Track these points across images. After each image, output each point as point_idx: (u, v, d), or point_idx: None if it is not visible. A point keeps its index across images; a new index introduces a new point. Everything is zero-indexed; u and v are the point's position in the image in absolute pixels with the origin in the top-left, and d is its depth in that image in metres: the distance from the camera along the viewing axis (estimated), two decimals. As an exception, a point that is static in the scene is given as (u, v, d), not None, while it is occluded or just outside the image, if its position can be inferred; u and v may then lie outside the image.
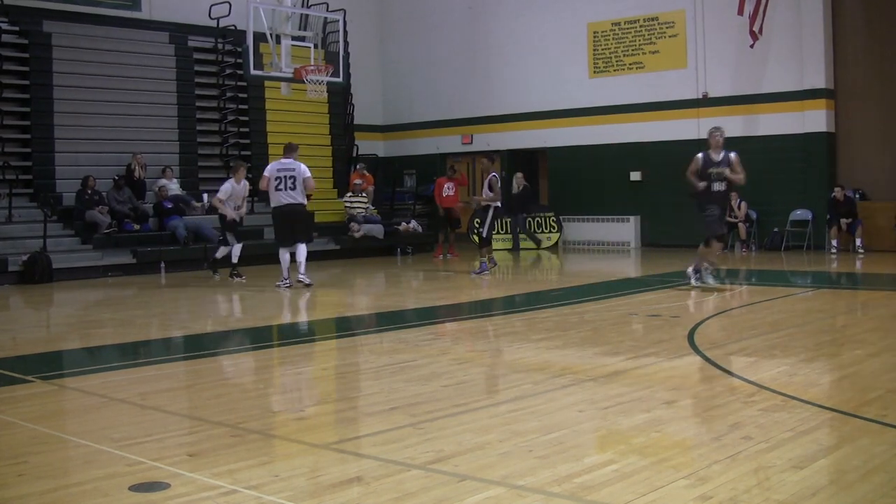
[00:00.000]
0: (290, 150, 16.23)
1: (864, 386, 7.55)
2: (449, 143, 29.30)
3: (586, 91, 26.42)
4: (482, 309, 13.91)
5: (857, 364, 8.52)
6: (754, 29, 23.04)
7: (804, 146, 23.04)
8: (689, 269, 15.02)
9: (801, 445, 5.68)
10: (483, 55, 28.43)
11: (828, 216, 22.39)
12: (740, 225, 23.23)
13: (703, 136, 23.84)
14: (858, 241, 21.93)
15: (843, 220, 22.12)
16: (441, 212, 23.10)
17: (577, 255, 21.28)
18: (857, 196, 22.63)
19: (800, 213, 23.11)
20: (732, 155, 14.58)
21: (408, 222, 25.57)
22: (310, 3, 25.69)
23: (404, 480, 5.16)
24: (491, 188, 18.37)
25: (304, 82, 21.03)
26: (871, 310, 13.04)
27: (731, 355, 8.93)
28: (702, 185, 14.43)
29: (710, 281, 14.81)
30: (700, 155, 14.72)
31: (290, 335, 11.80)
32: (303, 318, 13.25)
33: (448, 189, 22.83)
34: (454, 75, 28.94)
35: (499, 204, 18.70)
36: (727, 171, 14.38)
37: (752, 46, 23.18)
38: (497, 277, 18.33)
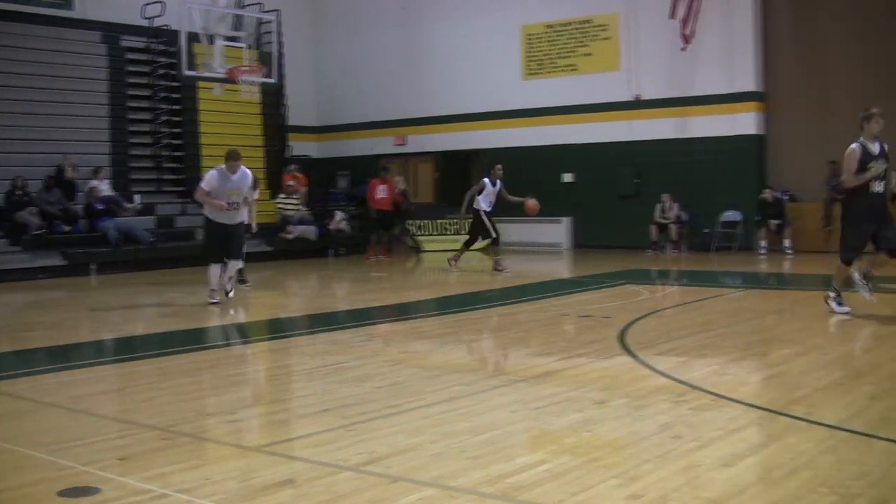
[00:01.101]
0: (234, 158, 13.82)
1: (792, 384, 7.66)
2: (384, 144, 29.24)
3: (519, 93, 26.50)
4: (415, 310, 13.91)
5: (786, 363, 8.63)
6: (686, 32, 23.28)
7: (735, 148, 23.28)
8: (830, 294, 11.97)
9: (730, 444, 5.75)
10: (417, 56, 28.42)
11: (757, 217, 22.67)
12: (672, 226, 23.45)
13: (636, 138, 24.36)
14: (787, 243, 22.23)
15: (773, 222, 22.42)
16: (374, 213, 23.10)
17: (509, 257, 21.30)
18: (787, 198, 22.92)
19: (730, 215, 23.35)
20: (886, 146, 11.39)
21: (338, 219, 25.51)
22: (244, 4, 25.53)
23: (336, 482, 5.15)
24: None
25: (237, 83, 20.93)
26: (800, 310, 13.21)
27: (662, 355, 9.00)
28: (869, 174, 11.07)
29: (841, 309, 11.74)
30: (856, 145, 11.26)
31: (223, 337, 11.73)
32: (236, 320, 13.17)
33: (381, 190, 22.82)
34: (389, 76, 28.88)
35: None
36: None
37: (684, 49, 23.42)
38: (429, 279, 18.34)
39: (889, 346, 9.40)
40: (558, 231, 25.53)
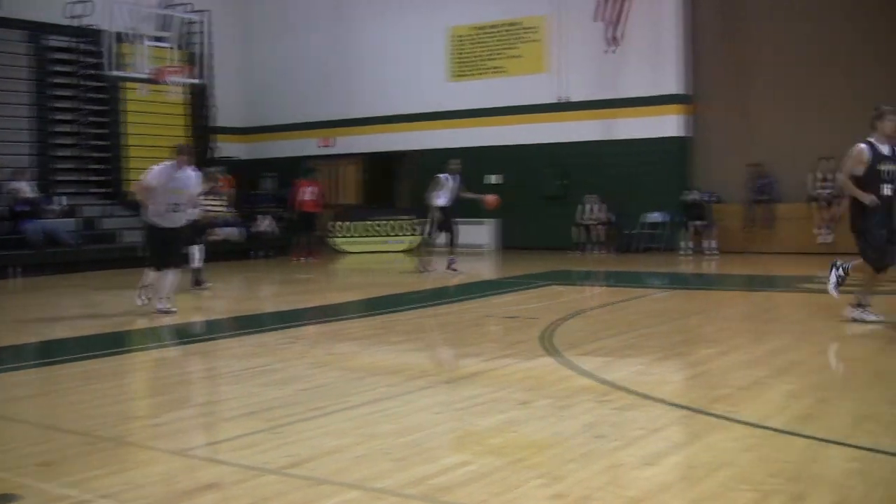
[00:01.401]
0: (183, 153, 12.75)
1: (714, 383, 7.77)
2: (311, 145, 29.12)
3: (446, 94, 26.55)
4: (341, 312, 13.87)
5: (708, 362, 8.75)
6: (615, 35, 23.50)
7: (660, 150, 23.53)
8: (849, 308, 10.96)
9: (653, 443, 5.82)
10: (345, 58, 28.34)
11: (682, 219, 22.94)
12: (598, 227, 23.65)
13: (563, 139, 24.49)
14: (712, 243, 22.51)
15: (696, 223, 22.69)
16: (297, 215, 23.04)
17: (436, 258, 21.32)
18: (713, 199, 23.20)
19: (654, 216, 23.60)
20: None
21: (263, 221, 25.42)
22: (172, 3, 25.29)
23: (260, 486, 5.12)
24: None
25: (163, 83, 20.75)
26: (722, 310, 13.39)
27: (587, 355, 9.07)
28: (870, 200, 10.30)
29: (872, 317, 10.71)
30: (864, 146, 10.52)
31: (146, 340, 11.61)
32: (160, 323, 13.03)
33: (307, 192, 22.75)
34: (316, 77, 28.76)
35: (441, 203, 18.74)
36: None
37: (612, 52, 23.66)
38: (355, 280, 18.31)
39: (810, 344, 9.55)
40: (484, 232, 25.59)
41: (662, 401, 7.02)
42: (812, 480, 5.01)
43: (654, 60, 23.66)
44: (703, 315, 12.77)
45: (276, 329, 11.94)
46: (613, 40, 23.70)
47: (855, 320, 10.55)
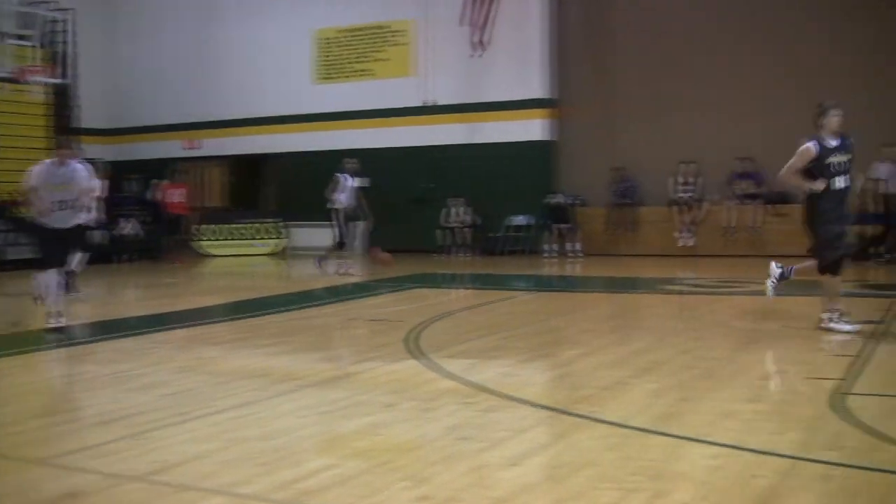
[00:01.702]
0: (62, 146, 11.90)
1: (578, 384, 7.83)
2: (177, 147, 28.63)
3: (313, 97, 26.38)
4: (206, 315, 13.66)
5: (572, 363, 8.82)
6: (481, 39, 23.65)
7: (525, 154, 23.74)
8: (823, 316, 10.47)
9: (518, 443, 5.83)
10: (211, 59, 27.93)
11: (546, 221, 23.17)
12: (463, 230, 23.76)
13: (429, 143, 24.54)
14: (576, 246, 22.79)
15: (560, 226, 22.95)
16: (166, 217, 22.68)
17: (304, 261, 21.18)
18: (577, 202, 23.48)
19: (519, 219, 23.80)
20: (852, 140, 10.41)
21: (126, 224, 24.95)
22: (35, 1, 24.62)
23: (123, 493, 5.00)
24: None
25: (25, 83, 20.24)
26: (586, 311, 13.54)
27: (452, 358, 9.07)
28: (818, 184, 10.12)
29: (846, 327, 10.20)
30: (811, 143, 10.25)
31: (7, 346, 11.26)
32: (19, 328, 12.67)
33: (176, 195, 22.43)
34: (183, 79, 28.28)
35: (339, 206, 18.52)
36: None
37: (479, 56, 23.82)
38: (220, 284, 18.07)
39: (671, 345, 9.70)
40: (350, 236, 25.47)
41: (527, 402, 7.06)
42: (673, 478, 5.08)
43: (519, 65, 23.87)
44: (568, 317, 12.90)
45: (140, 334, 11.66)
46: (480, 44, 23.86)
47: (830, 330, 10.12)
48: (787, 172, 10.46)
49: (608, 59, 23.65)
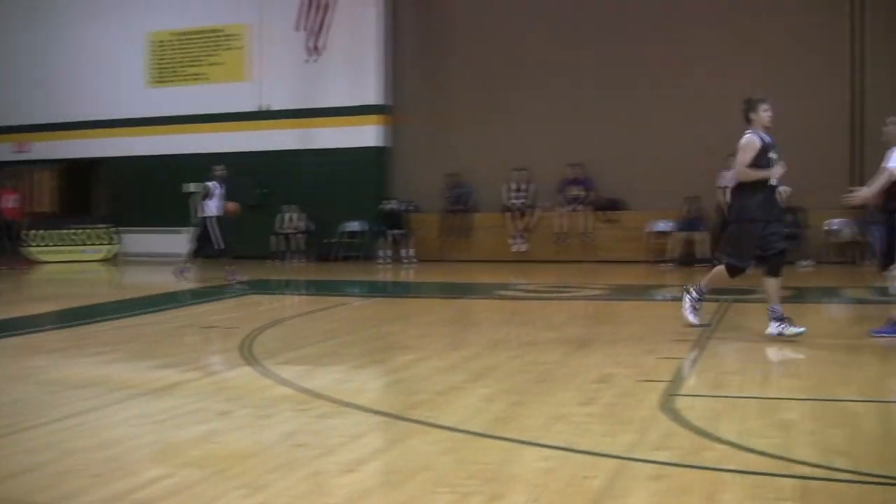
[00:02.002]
0: None
1: (412, 389, 7.87)
2: (5, 150, 27.71)
3: (146, 101, 25.90)
4: (35, 323, 13.25)
5: (406, 369, 8.86)
6: (316, 44, 23.58)
7: (359, 160, 23.77)
8: (772, 322, 10.03)
9: (353, 449, 5.83)
10: (42, 61, 27.07)
11: (380, 228, 23.22)
12: (298, 236, 23.66)
13: (264, 148, 24.33)
14: (410, 252, 22.90)
15: (394, 232, 23.03)
16: (3, 222, 22.05)
17: (135, 268, 20.85)
18: (410, 208, 23.60)
19: (353, 225, 23.81)
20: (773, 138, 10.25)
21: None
22: None
23: (-58, 508, 4.85)
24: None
25: None
26: (420, 316, 13.61)
27: (287, 364, 9.02)
28: (776, 170, 9.96)
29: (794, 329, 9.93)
30: (752, 134, 10.06)
31: None
32: None
33: (9, 199, 21.80)
34: (12, 80, 27.35)
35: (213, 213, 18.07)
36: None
37: (314, 61, 23.75)
38: (50, 291, 17.58)
39: (505, 349, 9.81)
40: (181, 241, 25.08)
41: (362, 408, 7.07)
42: (508, 480, 5.15)
43: (354, 71, 23.91)
44: (402, 322, 12.95)
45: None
46: (315, 50, 23.81)
47: (780, 334, 9.89)
48: (742, 169, 10.03)
49: (443, 67, 23.88)
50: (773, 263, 10.05)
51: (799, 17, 21.68)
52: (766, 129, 10.08)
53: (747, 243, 10.02)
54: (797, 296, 15.49)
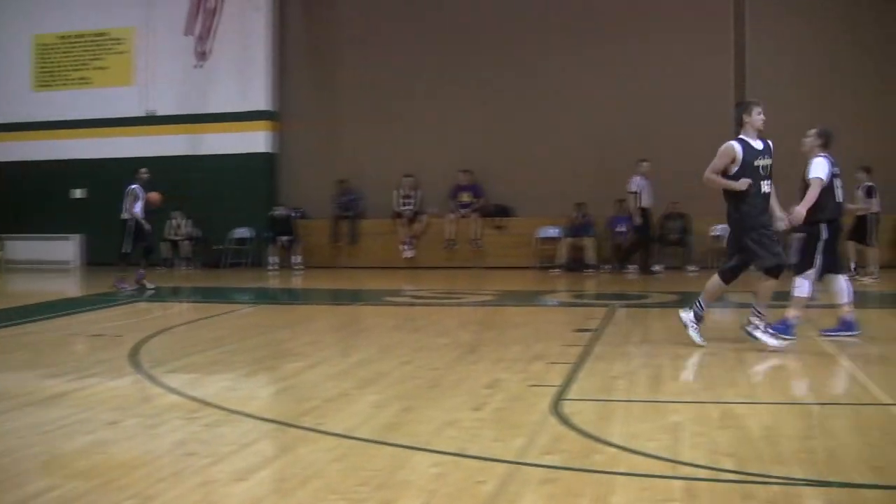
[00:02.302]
0: None
1: (302, 396, 7.86)
2: None
3: (32, 105, 25.31)
4: None
5: (296, 376, 8.83)
6: (204, 49, 23.37)
7: (247, 166, 23.62)
8: (753, 325, 9.96)
9: (244, 457, 5.81)
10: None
11: (269, 234, 23.09)
12: (186, 242, 23.42)
13: (150, 154, 23.93)
14: (298, 258, 22.81)
15: (283, 238, 22.92)
16: None
17: (17, 275, 20.42)
18: (299, 215, 23.51)
19: (241, 231, 23.64)
20: (770, 143, 10.01)
21: None
22: None
23: None
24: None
25: None
26: (309, 323, 13.58)
27: (175, 373, 8.94)
28: (744, 182, 9.68)
29: (773, 341, 9.86)
30: (735, 143, 9.81)
31: None
32: None
33: None
34: None
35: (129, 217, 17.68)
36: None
37: (201, 66, 23.53)
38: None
39: (395, 356, 9.82)
40: (68, 248, 24.70)
41: (252, 415, 7.04)
42: (399, 487, 5.18)
43: (242, 76, 23.76)
44: (291, 329, 12.89)
45: None
46: (202, 55, 23.62)
47: (756, 338, 9.84)
48: (709, 173, 9.93)
49: (332, 73, 23.87)
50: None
51: (684, 26, 22.13)
52: (759, 133, 9.92)
53: (769, 242, 9.80)
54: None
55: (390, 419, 6.84)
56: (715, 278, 10.15)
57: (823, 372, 8.98)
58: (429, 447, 5.99)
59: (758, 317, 9.90)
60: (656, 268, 20.45)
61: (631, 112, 21.90)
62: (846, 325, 10.50)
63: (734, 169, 9.75)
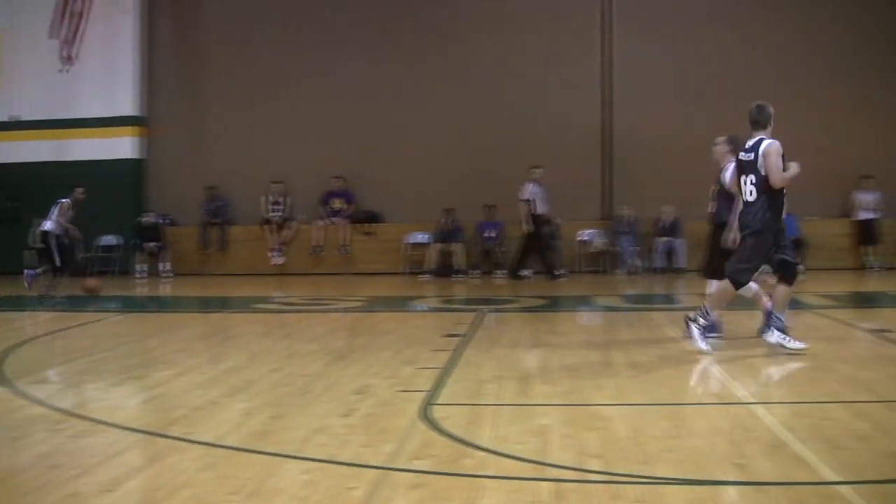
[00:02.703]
0: None
1: (171, 405, 7.78)
2: None
3: None
4: None
5: (164, 385, 8.73)
6: (70, 54, 22.94)
7: (114, 172, 23.20)
8: (769, 332, 9.89)
9: (111, 468, 5.75)
10: None
11: (136, 241, 22.75)
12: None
13: (14, 160, 23.43)
14: (167, 266, 22.53)
15: (151, 245, 22.61)
16: None
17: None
18: (167, 221, 23.22)
19: (109, 239, 23.24)
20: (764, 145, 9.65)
21: None
22: None
23: None
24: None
25: None
26: (178, 331, 13.42)
27: (39, 383, 8.79)
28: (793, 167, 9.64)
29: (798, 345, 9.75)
30: (776, 141, 9.69)
31: None
32: None
33: None
34: None
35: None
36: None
37: (66, 71, 23.09)
38: None
39: (264, 363, 9.78)
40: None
41: (119, 425, 6.95)
42: (270, 495, 5.18)
43: (109, 82, 23.37)
44: (159, 337, 12.73)
45: None
46: (68, 59, 23.18)
47: (782, 345, 9.75)
48: (781, 173, 9.52)
49: (200, 80, 23.66)
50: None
51: (552, 36, 22.47)
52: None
53: (758, 253, 9.75)
54: (551, 305, 16.07)
55: (260, 427, 6.82)
56: (781, 287, 9.87)
57: (689, 373, 9.20)
58: (299, 454, 6.00)
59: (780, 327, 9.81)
60: (525, 272, 20.62)
61: (501, 116, 22.17)
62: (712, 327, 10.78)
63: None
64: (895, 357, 9.69)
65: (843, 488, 5.24)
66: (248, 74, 23.27)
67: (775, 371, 9.38)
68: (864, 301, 16.81)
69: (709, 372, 9.14)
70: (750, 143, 9.77)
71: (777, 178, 9.49)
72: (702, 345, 9.79)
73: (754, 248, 9.66)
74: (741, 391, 8.14)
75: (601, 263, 21.89)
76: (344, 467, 5.72)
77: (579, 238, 21.63)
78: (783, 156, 9.52)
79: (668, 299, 17.31)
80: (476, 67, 22.56)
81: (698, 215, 21.11)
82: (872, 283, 19.14)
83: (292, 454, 6.01)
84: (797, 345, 9.69)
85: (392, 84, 22.70)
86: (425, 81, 22.66)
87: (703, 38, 22.20)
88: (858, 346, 9.90)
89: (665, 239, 21.43)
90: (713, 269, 10.77)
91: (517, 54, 22.47)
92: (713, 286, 10.65)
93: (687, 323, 9.99)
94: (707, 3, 22.63)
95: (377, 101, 22.72)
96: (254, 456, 6.02)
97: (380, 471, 5.62)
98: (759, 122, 9.80)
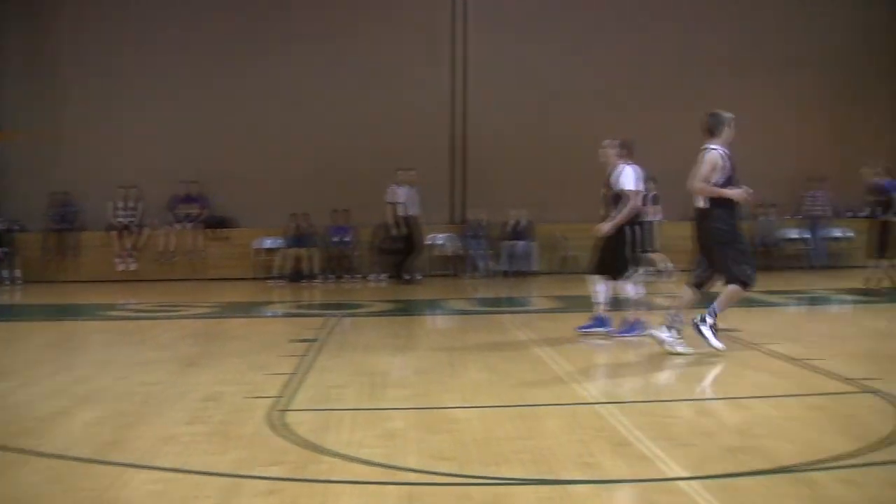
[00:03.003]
0: None
1: (16, 417, 7.60)
2: None
3: None
4: None
5: (8, 396, 8.52)
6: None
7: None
8: (702, 328, 9.88)
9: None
10: None
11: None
12: None
13: None
14: (15, 272, 21.94)
15: (-2, 251, 22.07)
16: None
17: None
18: (16, 227, 22.61)
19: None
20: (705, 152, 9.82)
21: None
22: None
23: None
24: None
25: None
26: (24, 340, 13.12)
27: None
28: (740, 193, 9.69)
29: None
30: (720, 152, 9.70)
31: None
32: None
33: None
34: None
35: None
36: None
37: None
38: None
39: (112, 371, 9.65)
40: None
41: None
42: (115, 505, 5.14)
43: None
44: (3, 347, 12.41)
45: None
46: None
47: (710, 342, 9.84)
48: (702, 182, 9.64)
49: (49, 84, 23.11)
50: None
51: (404, 36, 22.65)
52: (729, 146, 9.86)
53: (745, 251, 9.97)
54: (404, 308, 16.18)
55: (108, 436, 6.74)
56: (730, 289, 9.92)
57: (540, 374, 9.33)
58: (149, 464, 5.95)
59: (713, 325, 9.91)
60: (408, 276, 20.62)
61: (352, 119, 22.18)
62: (600, 322, 11.22)
63: (718, 178, 9.67)
64: (740, 356, 9.98)
65: (687, 483, 5.43)
66: (97, 77, 22.80)
67: (626, 371, 9.64)
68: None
69: (560, 373, 9.30)
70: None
71: (695, 183, 9.66)
72: (717, 344, 9.83)
73: (738, 248, 9.83)
74: (592, 391, 8.33)
75: (451, 267, 22.08)
76: (195, 476, 5.70)
77: (431, 242, 21.77)
78: (732, 171, 9.64)
79: (518, 302, 17.53)
80: (326, 69, 22.55)
81: (551, 218, 21.82)
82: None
83: (142, 464, 5.96)
84: (683, 348, 9.96)
85: (241, 86, 22.53)
86: (275, 83, 22.54)
87: (558, 39, 22.56)
88: (707, 347, 10.20)
89: (511, 242, 21.68)
90: (605, 267, 11.26)
91: (368, 55, 22.51)
92: (599, 284, 11.33)
93: (697, 328, 9.91)
94: (561, 4, 23.00)
95: (227, 104, 22.51)
96: (103, 467, 5.95)
97: (232, 479, 5.62)
98: (707, 129, 9.87)
